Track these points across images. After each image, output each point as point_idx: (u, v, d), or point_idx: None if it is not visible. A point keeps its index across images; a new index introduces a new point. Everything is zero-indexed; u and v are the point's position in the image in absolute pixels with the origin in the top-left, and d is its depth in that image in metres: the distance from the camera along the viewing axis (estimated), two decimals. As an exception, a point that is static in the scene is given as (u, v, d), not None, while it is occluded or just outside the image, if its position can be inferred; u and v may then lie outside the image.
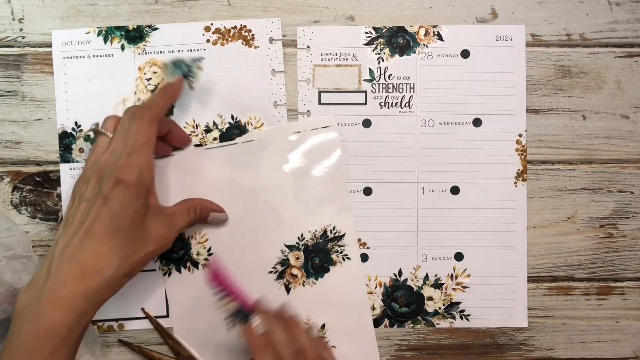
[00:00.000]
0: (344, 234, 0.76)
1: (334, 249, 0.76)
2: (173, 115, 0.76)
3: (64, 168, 0.77)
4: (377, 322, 0.77)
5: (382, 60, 0.77)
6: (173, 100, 0.72)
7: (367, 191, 0.77)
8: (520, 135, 0.76)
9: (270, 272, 0.76)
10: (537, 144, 0.77)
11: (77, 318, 0.61)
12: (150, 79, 0.77)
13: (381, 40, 0.77)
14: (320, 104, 0.77)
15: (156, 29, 0.77)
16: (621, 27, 0.78)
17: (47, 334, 0.60)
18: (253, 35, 0.77)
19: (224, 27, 0.77)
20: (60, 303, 0.61)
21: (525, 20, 0.78)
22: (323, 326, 0.76)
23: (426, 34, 0.77)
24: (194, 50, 0.77)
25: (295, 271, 0.76)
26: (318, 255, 0.76)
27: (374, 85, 0.77)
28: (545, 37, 0.77)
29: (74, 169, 0.76)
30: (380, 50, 0.77)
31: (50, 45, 0.77)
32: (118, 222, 0.63)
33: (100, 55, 0.77)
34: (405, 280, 0.77)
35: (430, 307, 0.77)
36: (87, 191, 0.65)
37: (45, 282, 0.62)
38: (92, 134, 0.73)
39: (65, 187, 0.76)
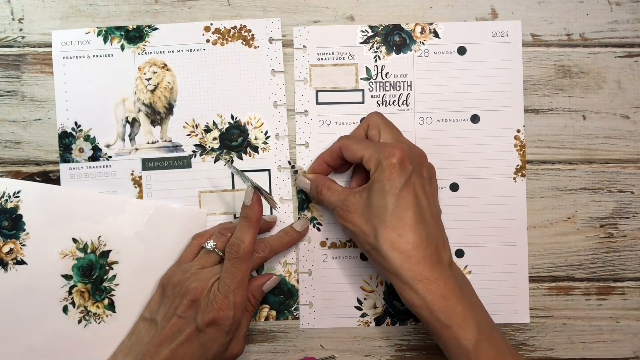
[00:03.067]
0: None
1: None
2: (173, 115, 0.81)
3: (63, 168, 0.80)
4: (379, 321, 0.81)
5: (379, 58, 0.81)
6: (259, 223, 0.75)
7: (367, 191, 0.81)
8: (518, 131, 0.80)
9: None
10: (537, 144, 0.81)
11: None
12: (150, 79, 0.80)
13: (377, 38, 0.81)
14: (317, 103, 0.81)
15: (156, 29, 0.81)
16: (621, 27, 0.81)
17: None
18: (253, 35, 0.81)
19: (224, 27, 0.81)
20: None
21: (525, 20, 0.81)
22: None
23: (422, 31, 0.81)
24: (194, 50, 0.81)
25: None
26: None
27: (371, 83, 0.81)
28: (545, 37, 0.81)
29: (74, 168, 0.80)
30: (377, 48, 0.81)
31: (50, 45, 0.80)
32: (204, 352, 0.70)
33: (100, 55, 0.81)
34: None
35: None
36: (181, 308, 0.72)
37: None
38: (206, 245, 0.77)
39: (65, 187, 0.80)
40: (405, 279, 0.68)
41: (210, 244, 0.76)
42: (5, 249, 0.77)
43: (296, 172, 0.79)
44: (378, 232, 0.69)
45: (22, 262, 0.77)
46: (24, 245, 0.77)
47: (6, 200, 0.78)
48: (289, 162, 0.80)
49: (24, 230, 0.77)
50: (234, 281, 0.71)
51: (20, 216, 0.77)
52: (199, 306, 0.71)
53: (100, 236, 0.79)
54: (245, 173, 0.78)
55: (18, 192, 0.78)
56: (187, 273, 0.74)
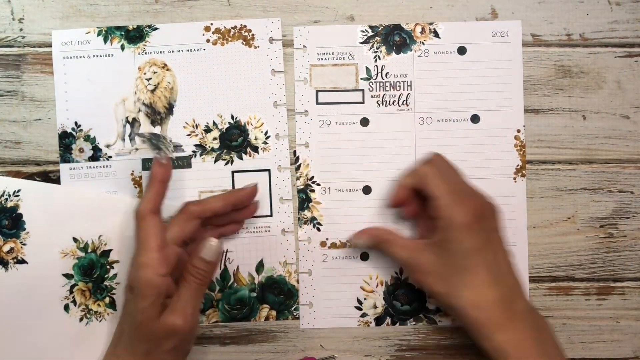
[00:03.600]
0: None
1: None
2: (173, 115, 0.81)
3: (64, 168, 0.81)
4: (379, 321, 0.82)
5: (379, 58, 0.82)
6: (163, 183, 0.75)
7: (367, 190, 0.81)
8: (518, 131, 0.81)
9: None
10: (537, 144, 0.82)
11: None
12: (150, 78, 0.81)
13: (377, 38, 0.82)
14: (317, 103, 0.82)
15: (156, 29, 0.81)
16: (621, 27, 0.82)
17: None
18: (253, 35, 0.82)
19: (224, 27, 0.82)
20: None
21: (525, 20, 0.82)
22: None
23: (422, 31, 0.82)
24: (194, 50, 0.81)
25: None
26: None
27: (371, 83, 0.82)
28: (545, 37, 0.82)
29: (74, 168, 0.80)
30: (377, 48, 0.82)
31: (50, 45, 0.81)
32: (132, 322, 0.70)
33: (100, 55, 0.81)
34: (406, 278, 0.82)
35: (432, 304, 0.82)
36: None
37: None
38: None
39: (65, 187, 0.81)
40: (484, 333, 0.69)
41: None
42: (6, 248, 0.78)
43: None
44: (459, 294, 0.70)
45: (22, 261, 0.78)
46: (24, 244, 0.78)
47: (6, 199, 0.78)
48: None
49: (25, 229, 0.78)
50: (136, 242, 0.71)
51: (21, 215, 0.78)
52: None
53: (100, 235, 0.79)
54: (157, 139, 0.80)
55: (18, 191, 0.78)
56: None
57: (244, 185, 0.78)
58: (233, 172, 0.81)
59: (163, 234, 0.72)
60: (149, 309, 0.68)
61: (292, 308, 0.82)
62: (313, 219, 0.82)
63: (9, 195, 0.78)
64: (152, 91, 0.81)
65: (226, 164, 0.82)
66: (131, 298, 0.69)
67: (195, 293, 0.71)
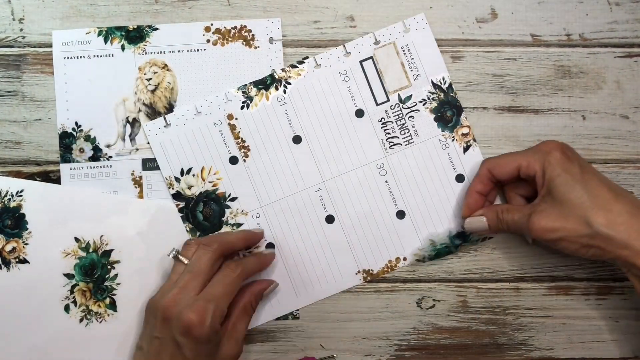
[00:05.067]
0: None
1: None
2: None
3: (64, 168, 0.82)
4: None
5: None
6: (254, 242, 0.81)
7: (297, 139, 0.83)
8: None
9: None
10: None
11: None
12: (151, 79, 0.82)
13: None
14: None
15: (156, 29, 0.82)
16: (621, 27, 0.83)
17: None
18: (253, 35, 0.83)
19: (224, 27, 0.83)
20: None
21: (525, 21, 0.83)
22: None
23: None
24: (195, 50, 0.82)
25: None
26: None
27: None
28: (545, 37, 0.83)
29: (74, 168, 0.82)
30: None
31: (50, 46, 0.82)
32: None
33: (101, 56, 0.82)
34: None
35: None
36: (157, 329, 0.72)
37: None
38: (170, 255, 0.77)
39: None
40: (636, 246, 0.68)
41: (172, 252, 0.76)
42: (8, 247, 0.79)
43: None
44: (590, 220, 0.69)
45: (24, 261, 0.79)
46: (26, 244, 0.79)
47: (9, 199, 0.79)
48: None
49: (27, 229, 0.79)
50: (222, 288, 0.73)
51: (23, 215, 0.79)
52: (172, 320, 0.70)
53: (102, 235, 0.81)
54: None
55: (21, 191, 0.80)
56: (159, 292, 0.74)
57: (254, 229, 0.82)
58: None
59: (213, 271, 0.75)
60: (213, 349, 0.72)
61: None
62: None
63: (12, 196, 0.80)
64: (153, 91, 0.82)
65: (226, 164, 0.82)
66: (190, 343, 0.70)
67: (247, 324, 0.77)
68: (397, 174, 0.83)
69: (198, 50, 0.83)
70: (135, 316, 0.81)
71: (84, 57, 0.82)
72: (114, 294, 0.81)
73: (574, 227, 0.70)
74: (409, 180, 0.83)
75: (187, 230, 0.81)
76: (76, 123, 0.82)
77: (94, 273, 0.80)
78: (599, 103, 0.83)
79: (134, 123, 0.82)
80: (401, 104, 0.82)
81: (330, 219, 0.83)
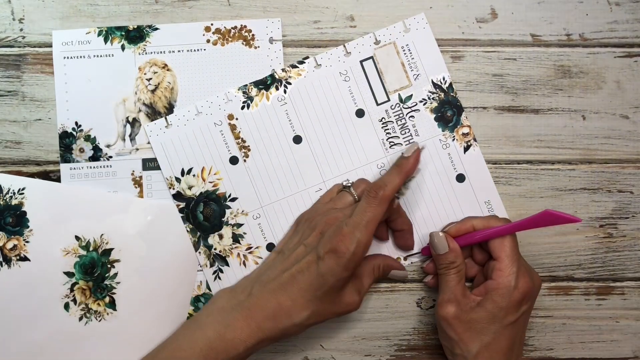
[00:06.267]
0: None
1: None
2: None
3: (64, 168, 0.83)
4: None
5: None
6: (408, 176, 0.80)
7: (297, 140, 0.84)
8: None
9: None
10: (537, 144, 0.84)
11: (257, 344, 0.74)
12: (151, 79, 0.83)
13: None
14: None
15: (156, 29, 0.84)
16: (621, 27, 0.84)
17: (229, 343, 0.73)
18: (253, 35, 0.84)
19: (224, 27, 0.84)
20: (252, 325, 0.74)
21: (525, 21, 0.84)
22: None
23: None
24: (195, 50, 0.84)
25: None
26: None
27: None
28: (545, 37, 0.84)
29: (74, 168, 0.83)
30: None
31: (50, 45, 0.83)
32: (321, 282, 0.73)
33: (101, 55, 0.83)
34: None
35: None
36: (309, 238, 0.76)
37: (246, 299, 0.76)
38: (343, 185, 0.82)
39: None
40: None
41: (347, 183, 0.81)
42: (9, 245, 0.80)
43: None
44: (475, 351, 0.75)
45: (25, 259, 0.80)
46: (27, 241, 0.80)
47: (11, 196, 0.81)
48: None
49: (28, 227, 0.81)
50: (363, 218, 0.74)
51: (25, 213, 0.81)
52: (323, 236, 0.74)
53: (102, 234, 0.82)
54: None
55: (23, 189, 0.81)
56: (320, 210, 0.79)
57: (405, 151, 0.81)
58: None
59: (380, 221, 0.76)
60: (344, 280, 0.74)
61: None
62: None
63: (14, 193, 0.81)
64: (153, 91, 0.84)
65: (226, 164, 0.84)
66: (330, 261, 0.73)
67: (370, 284, 0.80)
68: None
69: (198, 50, 0.84)
70: (135, 315, 0.82)
71: (84, 57, 0.83)
72: (114, 293, 0.82)
73: (461, 341, 0.77)
74: (409, 181, 0.84)
75: (187, 231, 0.82)
76: (76, 123, 0.83)
77: (94, 271, 0.81)
78: (599, 103, 0.84)
79: (134, 123, 0.83)
80: (401, 104, 0.83)
81: None
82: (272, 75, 0.83)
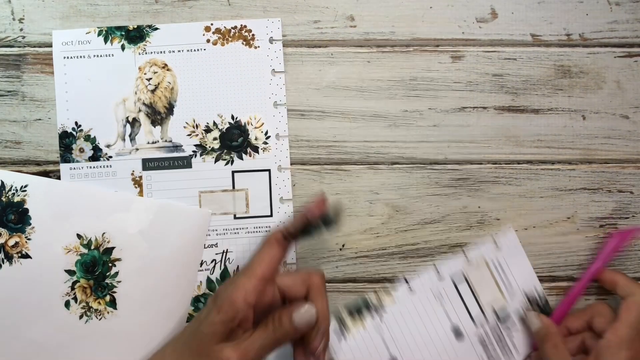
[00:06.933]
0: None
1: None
2: (173, 116, 0.84)
3: (64, 168, 0.83)
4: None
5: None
6: (308, 218, 0.75)
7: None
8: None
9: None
10: (537, 144, 0.85)
11: None
12: (151, 79, 0.84)
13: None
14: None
15: (156, 29, 0.85)
16: (621, 27, 0.85)
17: None
18: (253, 35, 0.85)
19: (224, 27, 0.85)
20: None
21: (525, 21, 0.85)
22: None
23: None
24: (195, 50, 0.84)
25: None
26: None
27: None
28: (545, 37, 0.85)
29: (74, 168, 0.83)
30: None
31: (50, 45, 0.84)
32: (197, 327, 0.71)
33: (101, 55, 0.84)
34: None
35: None
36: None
37: None
38: None
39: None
40: None
41: None
42: (11, 242, 0.81)
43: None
44: None
45: (26, 256, 0.81)
46: (29, 239, 0.81)
47: (13, 194, 0.81)
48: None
49: (30, 224, 0.81)
50: (249, 260, 0.74)
51: (27, 210, 0.81)
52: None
53: (104, 233, 0.82)
54: None
55: (25, 186, 0.82)
56: None
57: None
58: (233, 172, 0.84)
59: (275, 267, 0.74)
60: (218, 325, 0.69)
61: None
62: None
63: (16, 190, 0.82)
64: (153, 91, 0.84)
65: (226, 164, 0.85)
66: (210, 307, 0.71)
67: (265, 343, 0.71)
68: None
69: (198, 50, 0.85)
70: (135, 314, 0.83)
71: (84, 57, 0.84)
72: (114, 292, 0.82)
73: None
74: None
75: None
76: (76, 123, 0.84)
77: (95, 270, 0.82)
78: (599, 103, 0.85)
79: (133, 123, 0.84)
80: (498, 321, 0.83)
81: None
82: (365, 300, 0.83)
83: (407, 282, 0.83)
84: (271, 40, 0.85)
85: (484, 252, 0.84)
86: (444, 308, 0.83)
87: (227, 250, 0.85)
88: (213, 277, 0.84)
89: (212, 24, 0.85)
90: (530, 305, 0.83)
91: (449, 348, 0.82)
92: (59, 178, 0.83)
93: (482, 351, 0.82)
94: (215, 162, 0.85)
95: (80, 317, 0.82)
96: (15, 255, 0.81)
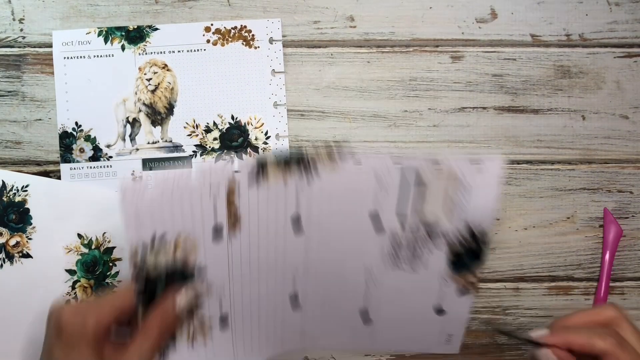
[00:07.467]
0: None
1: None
2: (173, 116, 0.85)
3: (64, 168, 0.84)
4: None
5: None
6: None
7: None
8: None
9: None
10: (537, 144, 0.86)
11: None
12: (151, 79, 0.85)
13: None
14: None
15: (156, 29, 0.86)
16: (620, 28, 0.86)
17: None
18: (253, 35, 0.86)
19: (224, 27, 0.86)
20: None
21: (525, 21, 0.86)
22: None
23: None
24: (195, 50, 0.85)
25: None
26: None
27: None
28: (545, 37, 0.86)
29: (75, 168, 0.84)
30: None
31: (50, 46, 0.85)
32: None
33: (101, 56, 0.85)
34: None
35: None
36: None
37: None
38: None
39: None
40: None
41: None
42: (12, 242, 0.82)
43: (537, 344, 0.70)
44: None
45: (27, 256, 0.82)
46: (30, 238, 0.82)
47: (14, 193, 0.82)
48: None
49: (31, 224, 0.82)
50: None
51: (28, 210, 0.82)
52: (50, 322, 0.66)
53: (105, 232, 0.83)
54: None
55: (26, 186, 0.82)
56: None
57: None
58: (233, 172, 0.85)
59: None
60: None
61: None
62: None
63: (18, 190, 0.82)
64: (153, 91, 0.85)
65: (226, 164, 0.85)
66: (52, 332, 0.64)
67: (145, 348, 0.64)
68: (385, 291, 0.77)
69: (198, 50, 0.86)
70: (136, 314, 0.83)
71: (84, 57, 0.85)
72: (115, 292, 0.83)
73: None
74: (393, 301, 0.78)
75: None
76: (76, 123, 0.85)
77: (96, 270, 0.83)
78: (599, 103, 0.86)
79: (134, 123, 0.85)
80: (425, 231, 0.74)
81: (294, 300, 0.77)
82: (299, 154, 0.71)
83: (355, 157, 0.71)
84: (271, 41, 0.86)
85: (462, 167, 0.71)
86: (377, 196, 0.72)
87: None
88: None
89: (212, 24, 0.86)
90: (465, 237, 0.73)
91: (362, 238, 0.74)
92: (59, 178, 0.84)
93: (392, 252, 0.74)
94: (216, 162, 0.85)
95: (81, 316, 0.83)
96: (16, 254, 0.82)
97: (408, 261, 0.75)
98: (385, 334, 0.79)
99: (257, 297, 0.74)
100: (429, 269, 0.75)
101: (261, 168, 0.68)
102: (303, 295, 0.76)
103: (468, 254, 0.75)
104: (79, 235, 0.83)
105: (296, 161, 0.69)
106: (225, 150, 0.85)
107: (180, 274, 0.68)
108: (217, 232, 0.69)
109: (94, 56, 0.85)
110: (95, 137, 0.84)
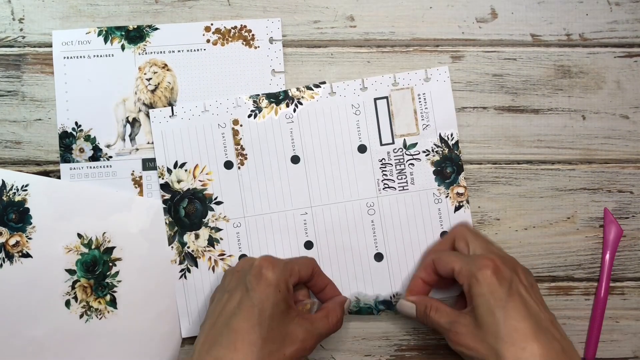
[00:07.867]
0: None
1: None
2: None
3: (64, 168, 0.84)
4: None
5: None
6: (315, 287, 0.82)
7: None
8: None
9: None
10: (537, 144, 0.86)
11: None
12: (151, 79, 0.85)
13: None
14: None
15: (156, 29, 0.86)
16: (621, 27, 0.86)
17: None
18: (253, 35, 0.86)
19: (224, 27, 0.86)
20: None
21: (525, 21, 0.86)
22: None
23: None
24: (195, 50, 0.86)
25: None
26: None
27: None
28: (545, 37, 0.86)
29: (74, 168, 0.84)
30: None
31: (50, 45, 0.85)
32: (258, 314, 0.69)
33: (101, 55, 0.85)
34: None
35: None
36: (232, 282, 0.75)
37: None
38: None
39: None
40: None
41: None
42: (12, 241, 0.82)
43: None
44: (498, 351, 0.67)
45: (27, 255, 0.82)
46: (30, 238, 0.82)
47: (14, 193, 0.82)
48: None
49: (31, 223, 0.82)
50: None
51: (28, 209, 0.82)
52: (245, 270, 0.75)
53: (105, 232, 0.83)
54: None
55: (26, 185, 0.83)
56: (226, 272, 0.80)
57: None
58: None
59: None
60: (282, 304, 0.72)
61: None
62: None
63: (17, 190, 0.83)
64: (153, 91, 0.85)
65: (226, 163, 0.86)
66: (261, 286, 0.72)
67: (323, 332, 0.76)
68: (384, 217, 0.85)
69: (198, 50, 0.86)
70: (136, 314, 0.84)
71: (84, 57, 0.85)
72: (115, 291, 0.84)
73: (485, 354, 0.69)
74: (394, 226, 0.85)
75: (165, 223, 0.84)
76: (76, 123, 0.85)
77: (96, 269, 0.83)
78: (599, 103, 0.86)
79: (134, 123, 0.85)
80: (404, 150, 0.85)
81: (309, 245, 0.85)
82: (285, 92, 0.85)
83: (331, 87, 0.86)
84: (271, 41, 0.86)
85: (413, 81, 0.85)
86: (357, 120, 0.85)
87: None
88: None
89: (212, 24, 0.86)
90: (439, 145, 0.85)
91: (349, 159, 0.85)
92: (59, 178, 0.84)
93: (378, 169, 0.85)
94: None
95: (81, 316, 0.83)
96: (16, 254, 0.82)
97: (396, 179, 0.84)
98: (395, 269, 0.85)
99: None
100: (417, 185, 0.85)
101: (255, 105, 0.85)
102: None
103: (446, 162, 0.85)
104: (79, 235, 0.83)
105: (284, 95, 0.85)
106: (225, 150, 0.85)
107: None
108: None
109: (94, 56, 0.85)
110: (95, 137, 0.85)
